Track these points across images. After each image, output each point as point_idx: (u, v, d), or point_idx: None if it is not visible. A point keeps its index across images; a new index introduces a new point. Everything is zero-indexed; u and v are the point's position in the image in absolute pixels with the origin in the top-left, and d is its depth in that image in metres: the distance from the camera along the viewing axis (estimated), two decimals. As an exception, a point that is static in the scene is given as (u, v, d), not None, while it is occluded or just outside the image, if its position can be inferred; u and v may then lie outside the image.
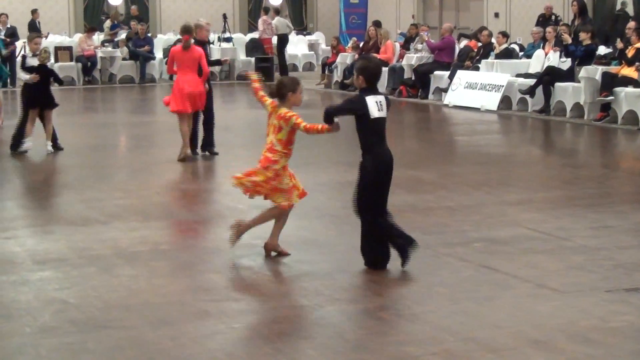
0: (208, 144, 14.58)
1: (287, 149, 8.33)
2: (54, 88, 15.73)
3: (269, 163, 8.27)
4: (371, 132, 7.87)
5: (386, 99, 8.03)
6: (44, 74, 15.22)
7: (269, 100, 8.43)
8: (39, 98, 15.10)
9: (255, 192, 8.41)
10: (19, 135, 14.98)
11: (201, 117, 14.46)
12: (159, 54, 29.15)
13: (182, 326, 6.56)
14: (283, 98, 8.31)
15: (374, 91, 7.95)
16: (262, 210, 8.62)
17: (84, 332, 6.46)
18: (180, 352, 6.04)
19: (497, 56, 22.18)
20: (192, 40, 14.16)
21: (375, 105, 7.83)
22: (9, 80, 26.38)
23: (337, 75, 26.63)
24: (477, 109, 20.74)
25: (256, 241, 8.83)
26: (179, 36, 14.73)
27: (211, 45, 29.76)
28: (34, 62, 15.17)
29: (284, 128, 8.26)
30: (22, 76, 15.22)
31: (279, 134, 8.28)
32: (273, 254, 8.45)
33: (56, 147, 15.07)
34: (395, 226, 8.01)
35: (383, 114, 7.88)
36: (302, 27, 36.29)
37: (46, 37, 27.74)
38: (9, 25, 26.96)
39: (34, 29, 28.79)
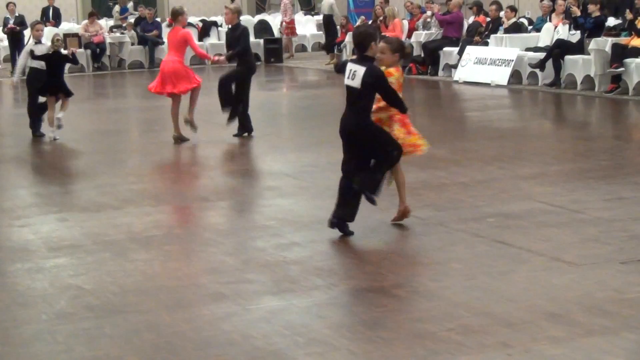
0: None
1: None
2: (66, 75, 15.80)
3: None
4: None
5: (369, 71, 8.07)
6: (58, 60, 15.13)
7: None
8: (53, 86, 15.00)
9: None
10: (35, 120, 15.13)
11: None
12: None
13: (197, 309, 6.58)
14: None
15: (359, 60, 8.18)
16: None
17: (100, 317, 6.48)
18: (196, 334, 6.06)
19: (506, 31, 22.09)
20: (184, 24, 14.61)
21: (348, 72, 8.15)
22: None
23: (346, 55, 26.54)
24: (487, 85, 20.67)
25: (269, 222, 8.85)
26: (189, 21, 15.05)
27: (219, 29, 29.89)
28: (41, 49, 15.07)
29: None
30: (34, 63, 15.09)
31: None
32: None
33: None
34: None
35: (353, 83, 8.10)
36: (310, 7, 36.18)
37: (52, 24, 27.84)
38: (17, 14, 26.94)
39: (47, 16, 28.95)
